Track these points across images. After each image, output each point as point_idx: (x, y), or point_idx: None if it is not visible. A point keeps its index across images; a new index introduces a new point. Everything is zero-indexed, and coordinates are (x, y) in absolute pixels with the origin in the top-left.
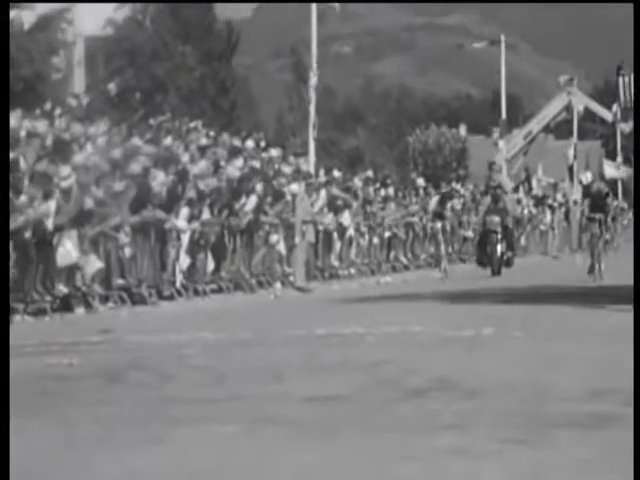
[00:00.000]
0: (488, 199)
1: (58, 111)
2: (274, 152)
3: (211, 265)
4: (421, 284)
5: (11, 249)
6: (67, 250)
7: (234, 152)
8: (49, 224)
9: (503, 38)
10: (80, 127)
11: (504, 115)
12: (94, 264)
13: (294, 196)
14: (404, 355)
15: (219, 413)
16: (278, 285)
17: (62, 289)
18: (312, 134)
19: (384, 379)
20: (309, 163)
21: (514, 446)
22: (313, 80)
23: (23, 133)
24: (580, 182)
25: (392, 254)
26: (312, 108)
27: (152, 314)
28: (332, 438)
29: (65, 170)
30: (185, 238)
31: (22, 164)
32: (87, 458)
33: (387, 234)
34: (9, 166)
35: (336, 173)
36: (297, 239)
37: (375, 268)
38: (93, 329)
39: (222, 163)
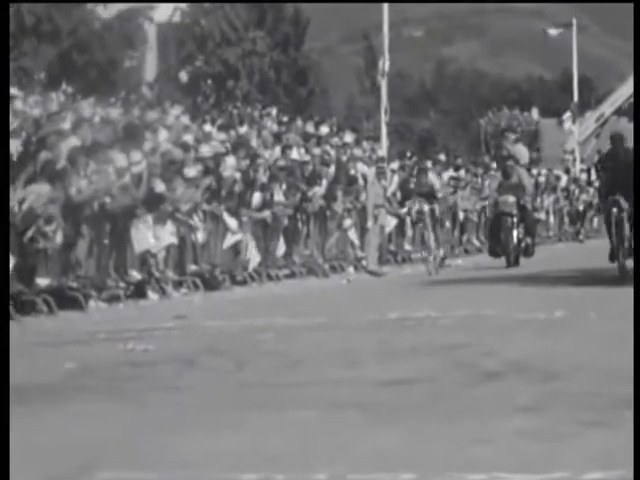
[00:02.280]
0: (499, 175)
1: (131, 98)
2: (347, 137)
3: (283, 249)
4: (494, 267)
5: (84, 234)
6: (143, 236)
7: (307, 138)
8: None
9: (575, 21)
10: (153, 114)
11: (576, 98)
12: (166, 239)
13: (366, 180)
14: (478, 338)
15: (295, 398)
16: (351, 269)
17: (136, 275)
18: (384, 118)
19: (458, 362)
20: (382, 147)
21: (590, 428)
22: (385, 64)
23: (97, 119)
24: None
25: (465, 237)
26: (384, 92)
27: (226, 299)
28: (407, 422)
29: (136, 155)
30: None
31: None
32: (163, 443)
33: (460, 217)
34: (9, 166)
35: (408, 157)
36: (369, 223)
37: (447, 251)
38: (167, 315)
39: (295, 148)
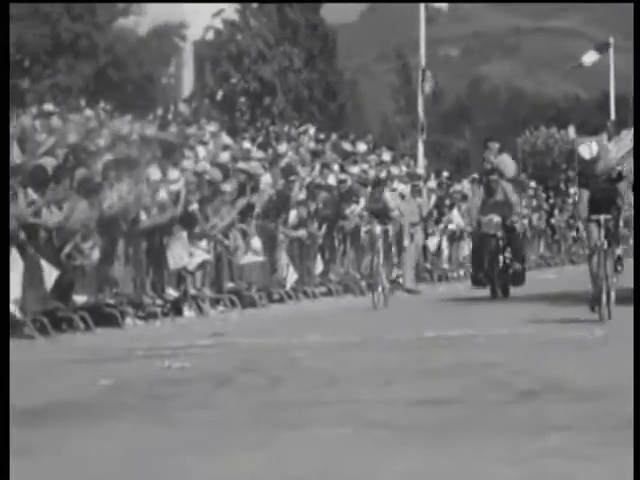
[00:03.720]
0: (481, 191)
1: (168, 115)
2: (385, 155)
3: (320, 267)
4: (531, 285)
5: (121, 251)
6: (178, 253)
7: (345, 155)
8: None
9: (612, 40)
10: (190, 131)
11: (613, 116)
12: (200, 256)
13: (403, 198)
14: (514, 357)
15: (329, 416)
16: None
17: (172, 293)
18: (421, 136)
19: (494, 381)
20: (419, 165)
21: (620, 449)
22: (423, 82)
23: (134, 136)
24: (579, 159)
25: None
26: (420, 110)
27: (262, 317)
28: (441, 442)
29: (174, 174)
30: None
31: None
32: (194, 463)
33: None
34: (9, 169)
35: (445, 175)
36: (406, 241)
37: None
38: (204, 332)
39: (332, 166)
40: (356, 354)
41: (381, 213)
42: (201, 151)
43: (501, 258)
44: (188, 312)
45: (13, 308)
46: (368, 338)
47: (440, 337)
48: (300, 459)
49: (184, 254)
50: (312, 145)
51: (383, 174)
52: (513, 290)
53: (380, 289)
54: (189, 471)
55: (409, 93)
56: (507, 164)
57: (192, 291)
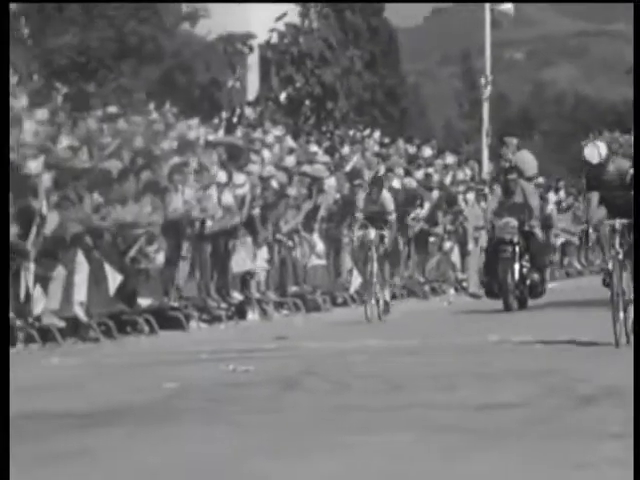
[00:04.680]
0: (499, 191)
1: (234, 119)
2: (450, 159)
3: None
4: (594, 290)
5: (186, 254)
6: (242, 257)
7: (410, 160)
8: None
9: None
10: (256, 135)
11: None
12: (263, 261)
13: (467, 203)
14: (574, 363)
15: (391, 421)
16: (452, 291)
17: (237, 296)
18: (485, 141)
19: (554, 387)
20: (483, 170)
21: None
22: (487, 87)
23: (201, 140)
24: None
25: (566, 260)
26: (485, 115)
27: (326, 321)
28: (503, 446)
29: (240, 178)
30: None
31: (193, 169)
32: (257, 467)
33: (560, 240)
34: (9, 170)
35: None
36: (470, 245)
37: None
38: (268, 336)
39: (397, 170)
40: (420, 358)
41: (377, 216)
42: (266, 155)
43: (517, 267)
44: (252, 315)
45: (78, 311)
46: (432, 342)
47: (502, 341)
48: (366, 464)
49: (247, 259)
50: (376, 149)
51: (381, 172)
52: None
53: (373, 301)
54: (254, 475)
55: (473, 97)
56: (527, 161)
57: (256, 294)
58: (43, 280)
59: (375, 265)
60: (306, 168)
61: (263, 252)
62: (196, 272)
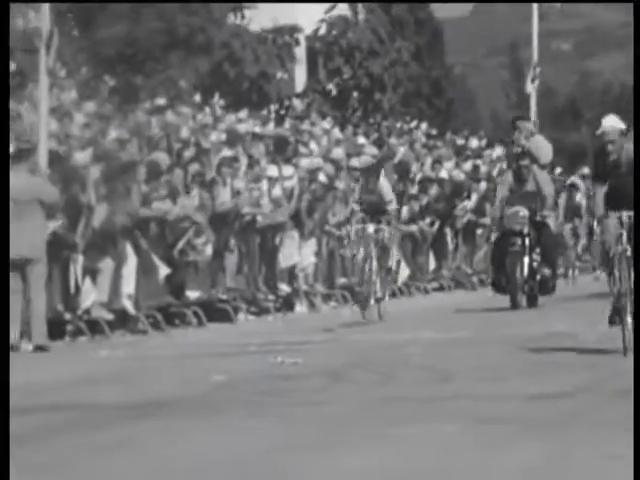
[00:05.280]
0: (510, 178)
1: (282, 111)
2: (498, 150)
3: (432, 263)
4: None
5: (233, 247)
6: (289, 251)
7: (459, 151)
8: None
9: None
10: (304, 127)
11: None
12: (310, 253)
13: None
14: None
15: (440, 412)
16: None
17: (285, 288)
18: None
19: (601, 379)
20: None
21: None
22: (534, 78)
23: (249, 132)
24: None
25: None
26: (533, 106)
27: (374, 313)
28: (549, 437)
29: (288, 171)
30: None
31: (242, 162)
32: (304, 460)
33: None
34: (8, 171)
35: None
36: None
37: (596, 265)
38: (316, 328)
39: (444, 161)
40: (468, 350)
41: (375, 207)
42: (314, 147)
43: (526, 260)
44: (300, 308)
45: (127, 303)
46: (480, 334)
47: (550, 333)
48: (415, 454)
49: (294, 252)
50: (423, 140)
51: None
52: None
53: (372, 301)
54: (303, 466)
55: (520, 88)
56: (541, 147)
57: (304, 287)
58: (91, 272)
59: (374, 263)
60: (354, 162)
61: (311, 245)
62: (244, 264)
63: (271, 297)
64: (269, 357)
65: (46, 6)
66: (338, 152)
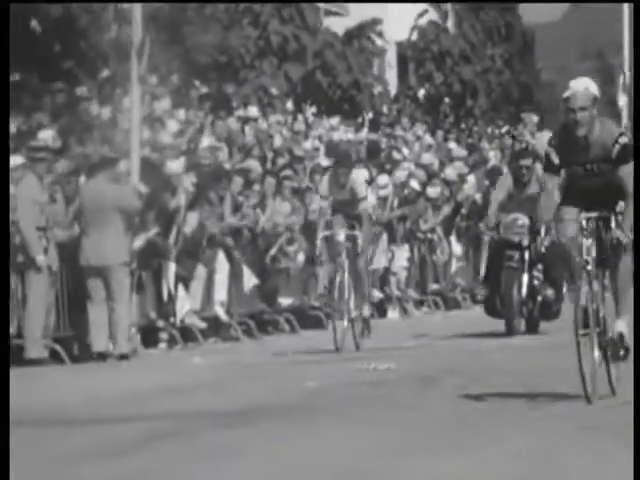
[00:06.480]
0: (509, 179)
1: (369, 116)
2: None
3: None
4: None
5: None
6: (377, 256)
7: None
8: None
9: None
10: (396, 132)
11: None
12: (402, 259)
13: None
14: None
15: (532, 419)
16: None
17: (377, 294)
18: None
19: None
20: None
21: None
22: (626, 82)
23: (342, 139)
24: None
25: None
26: (625, 111)
27: (465, 318)
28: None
29: (383, 179)
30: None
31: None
32: (393, 464)
33: None
34: (8, 171)
35: None
36: None
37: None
38: (408, 334)
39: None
40: (561, 354)
41: (347, 208)
42: (406, 153)
43: (525, 278)
44: (392, 313)
45: (219, 310)
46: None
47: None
48: (503, 464)
49: (383, 256)
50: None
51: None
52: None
53: (346, 322)
54: (396, 472)
55: (611, 94)
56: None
57: (396, 292)
58: (183, 280)
59: (346, 275)
60: (447, 172)
61: (403, 250)
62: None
63: None
64: (362, 363)
65: (138, 14)
66: (428, 157)
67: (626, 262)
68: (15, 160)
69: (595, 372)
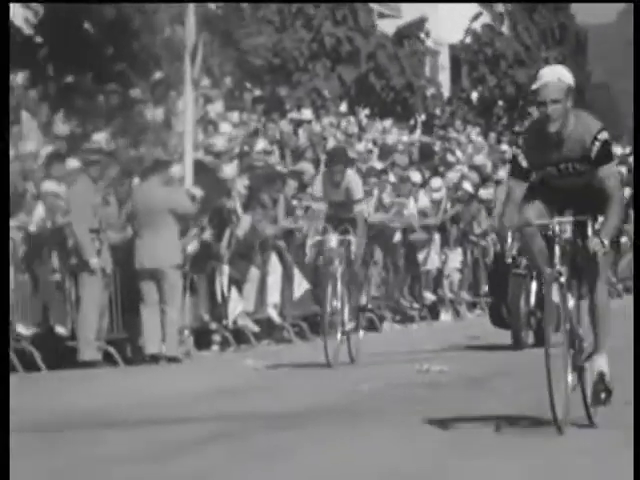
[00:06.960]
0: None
1: (425, 120)
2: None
3: None
4: None
5: (378, 256)
6: (430, 256)
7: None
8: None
9: None
10: (450, 135)
11: None
12: (455, 262)
13: None
14: None
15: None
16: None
17: (429, 297)
18: None
19: None
20: None
21: None
22: None
23: (396, 142)
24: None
25: None
26: None
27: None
28: None
29: (437, 182)
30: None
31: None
32: (447, 464)
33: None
34: (9, 171)
35: None
36: None
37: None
38: (461, 336)
39: None
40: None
41: (342, 210)
42: (459, 155)
43: (534, 286)
44: (445, 316)
45: (272, 313)
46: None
47: None
48: (551, 466)
49: (436, 257)
50: None
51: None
52: None
53: (339, 335)
54: (448, 473)
55: None
56: None
57: (449, 295)
58: (236, 283)
59: (339, 285)
60: (500, 174)
61: (456, 253)
62: (389, 273)
63: (416, 305)
64: (415, 365)
65: (191, 15)
66: (481, 159)
67: (603, 290)
68: (69, 163)
69: (568, 398)
